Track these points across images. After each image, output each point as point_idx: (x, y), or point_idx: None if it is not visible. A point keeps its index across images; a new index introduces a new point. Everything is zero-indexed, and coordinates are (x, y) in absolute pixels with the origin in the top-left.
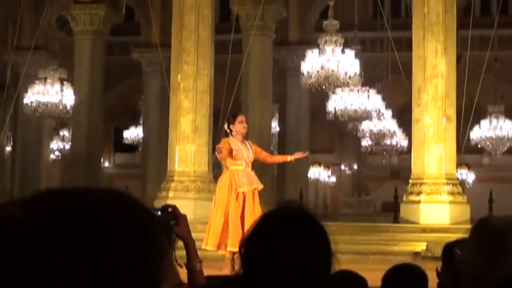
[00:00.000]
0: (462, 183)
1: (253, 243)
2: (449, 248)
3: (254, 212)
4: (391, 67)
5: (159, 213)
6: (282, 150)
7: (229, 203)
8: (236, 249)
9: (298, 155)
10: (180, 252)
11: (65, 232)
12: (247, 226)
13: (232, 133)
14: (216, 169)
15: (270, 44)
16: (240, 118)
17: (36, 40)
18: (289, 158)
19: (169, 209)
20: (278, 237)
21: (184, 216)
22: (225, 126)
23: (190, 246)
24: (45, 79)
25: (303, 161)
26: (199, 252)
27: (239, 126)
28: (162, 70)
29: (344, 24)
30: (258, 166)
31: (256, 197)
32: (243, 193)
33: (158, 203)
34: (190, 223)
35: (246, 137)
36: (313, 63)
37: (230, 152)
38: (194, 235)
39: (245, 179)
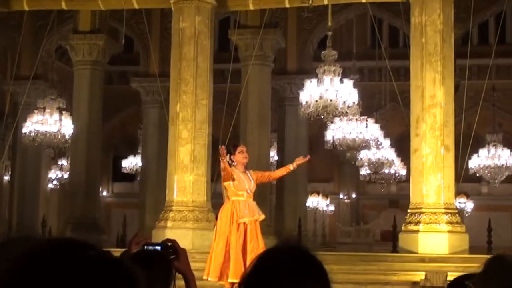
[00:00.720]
0: (460, 212)
1: (253, 280)
2: (457, 283)
3: (258, 244)
4: (390, 96)
5: (160, 248)
6: (280, 179)
7: (230, 234)
8: (237, 280)
9: (299, 160)
10: (181, 282)
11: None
12: (249, 258)
13: (233, 163)
14: (215, 198)
15: (268, 74)
16: (241, 148)
17: (35, 70)
18: (291, 166)
19: (169, 244)
20: (278, 275)
21: (184, 251)
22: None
23: (189, 280)
24: (44, 108)
25: (301, 190)
26: (199, 283)
27: (240, 156)
28: (161, 99)
29: (343, 54)
30: (256, 196)
31: (258, 228)
32: (244, 224)
33: (156, 233)
34: (188, 253)
35: (246, 166)
36: (311, 92)
37: (232, 179)
38: (192, 265)
39: (246, 210)
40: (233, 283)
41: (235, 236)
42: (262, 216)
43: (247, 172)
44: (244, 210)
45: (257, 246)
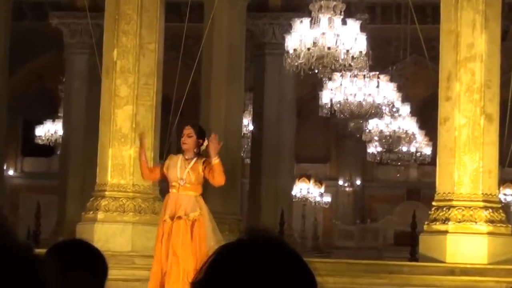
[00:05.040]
0: (506, 207)
1: (209, 285)
2: None
3: (177, 246)
4: (411, 45)
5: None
6: (256, 157)
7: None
8: None
9: (212, 145)
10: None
11: None
12: (170, 264)
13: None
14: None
15: (243, 10)
16: (184, 130)
17: None
18: (213, 160)
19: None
20: (242, 278)
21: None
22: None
23: None
24: None
25: (285, 172)
26: None
27: (181, 140)
28: (92, 43)
29: None
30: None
31: (196, 231)
32: (168, 223)
33: (83, 228)
34: (126, 257)
35: (199, 153)
36: (302, 37)
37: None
38: (132, 273)
39: (171, 206)
40: None
41: (159, 238)
42: (193, 214)
43: (195, 160)
44: (168, 207)
45: (179, 248)
